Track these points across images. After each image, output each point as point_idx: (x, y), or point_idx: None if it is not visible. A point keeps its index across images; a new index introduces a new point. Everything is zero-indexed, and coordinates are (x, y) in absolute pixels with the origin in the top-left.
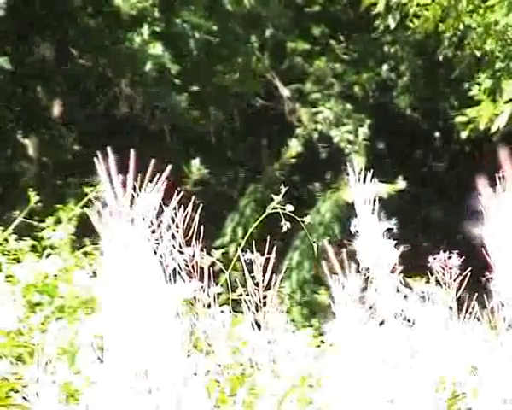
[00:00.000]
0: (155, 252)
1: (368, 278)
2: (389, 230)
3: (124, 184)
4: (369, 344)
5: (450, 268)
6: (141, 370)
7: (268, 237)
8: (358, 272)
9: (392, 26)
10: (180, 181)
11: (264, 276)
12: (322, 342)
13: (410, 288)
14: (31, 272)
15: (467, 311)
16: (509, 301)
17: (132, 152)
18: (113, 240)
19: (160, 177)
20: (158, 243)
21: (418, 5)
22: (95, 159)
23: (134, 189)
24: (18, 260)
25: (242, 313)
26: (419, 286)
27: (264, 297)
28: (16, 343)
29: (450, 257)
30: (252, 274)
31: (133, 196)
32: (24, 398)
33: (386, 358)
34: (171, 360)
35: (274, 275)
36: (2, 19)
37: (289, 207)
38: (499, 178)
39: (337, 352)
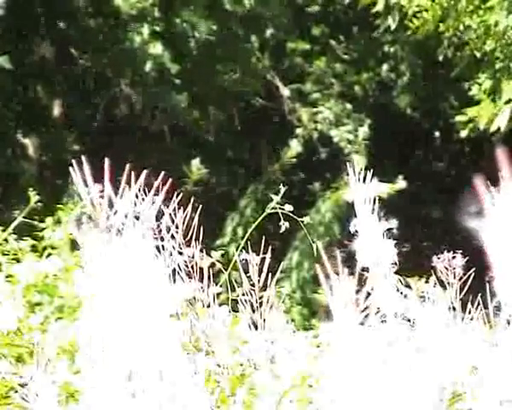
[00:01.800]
0: (156, 253)
1: (366, 278)
2: (389, 230)
3: (104, 190)
4: (369, 344)
5: (454, 268)
6: (139, 370)
7: (268, 238)
8: (352, 274)
9: (393, 26)
10: (181, 181)
11: (259, 276)
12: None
13: (411, 288)
14: (31, 272)
15: (469, 311)
16: (509, 301)
17: (107, 160)
18: (91, 248)
19: (158, 179)
20: (158, 245)
21: (418, 6)
22: (70, 168)
23: (123, 193)
24: (18, 260)
25: (239, 312)
26: (419, 286)
27: (261, 297)
28: (16, 343)
29: (454, 257)
30: (248, 274)
31: (120, 201)
32: (23, 398)
33: (386, 358)
34: (171, 359)
35: (272, 275)
36: (2, 18)
37: (288, 207)
38: (499, 177)
39: (336, 352)
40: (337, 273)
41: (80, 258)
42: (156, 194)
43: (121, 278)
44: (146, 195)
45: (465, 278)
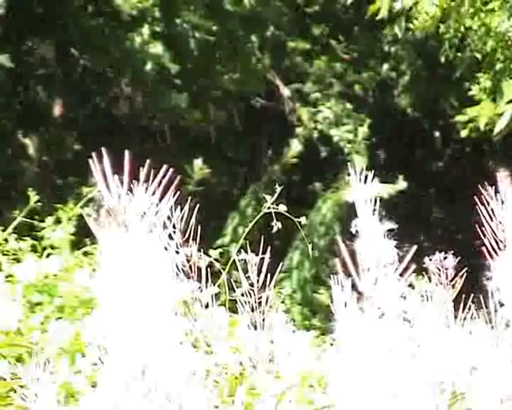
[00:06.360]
0: (153, 252)
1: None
2: (390, 230)
3: (121, 185)
4: (371, 343)
5: (446, 269)
6: (140, 370)
7: (268, 237)
8: (368, 270)
9: (400, 35)
10: (181, 181)
11: (258, 276)
12: (324, 341)
13: (411, 288)
14: (31, 271)
15: (465, 311)
16: (508, 300)
17: (127, 153)
18: (109, 241)
19: (159, 177)
20: (156, 243)
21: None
22: (90, 160)
23: (131, 189)
24: (18, 260)
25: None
26: (419, 286)
27: (260, 297)
28: (16, 343)
29: (445, 258)
30: (247, 274)
31: (129, 197)
32: (23, 398)
33: (386, 358)
34: (171, 359)
35: (271, 275)
36: (2, 18)
37: (282, 208)
38: (498, 177)
39: (339, 350)
40: (344, 272)
41: (80, 258)
42: (165, 192)
43: (130, 272)
44: (156, 192)
45: (459, 277)
